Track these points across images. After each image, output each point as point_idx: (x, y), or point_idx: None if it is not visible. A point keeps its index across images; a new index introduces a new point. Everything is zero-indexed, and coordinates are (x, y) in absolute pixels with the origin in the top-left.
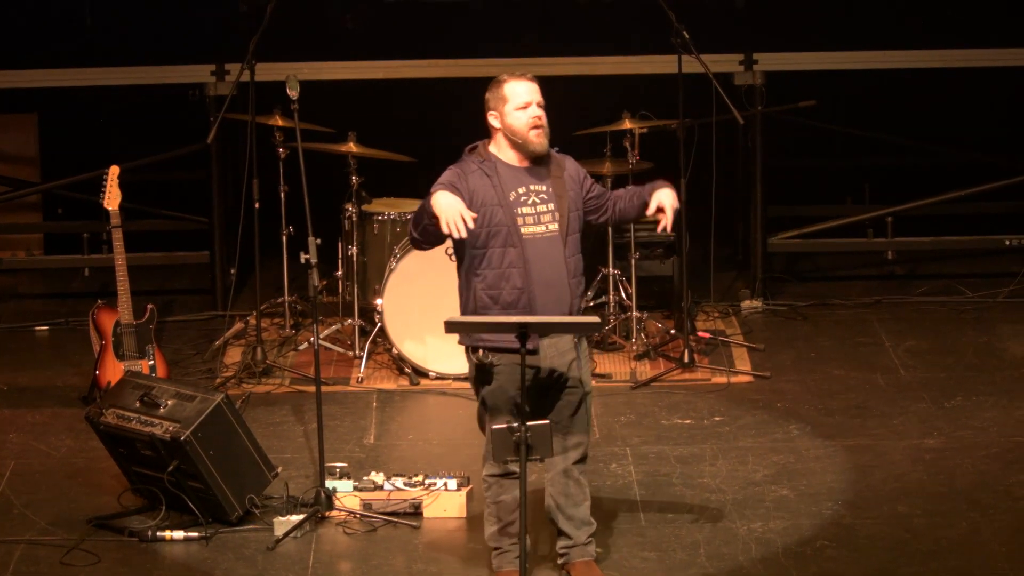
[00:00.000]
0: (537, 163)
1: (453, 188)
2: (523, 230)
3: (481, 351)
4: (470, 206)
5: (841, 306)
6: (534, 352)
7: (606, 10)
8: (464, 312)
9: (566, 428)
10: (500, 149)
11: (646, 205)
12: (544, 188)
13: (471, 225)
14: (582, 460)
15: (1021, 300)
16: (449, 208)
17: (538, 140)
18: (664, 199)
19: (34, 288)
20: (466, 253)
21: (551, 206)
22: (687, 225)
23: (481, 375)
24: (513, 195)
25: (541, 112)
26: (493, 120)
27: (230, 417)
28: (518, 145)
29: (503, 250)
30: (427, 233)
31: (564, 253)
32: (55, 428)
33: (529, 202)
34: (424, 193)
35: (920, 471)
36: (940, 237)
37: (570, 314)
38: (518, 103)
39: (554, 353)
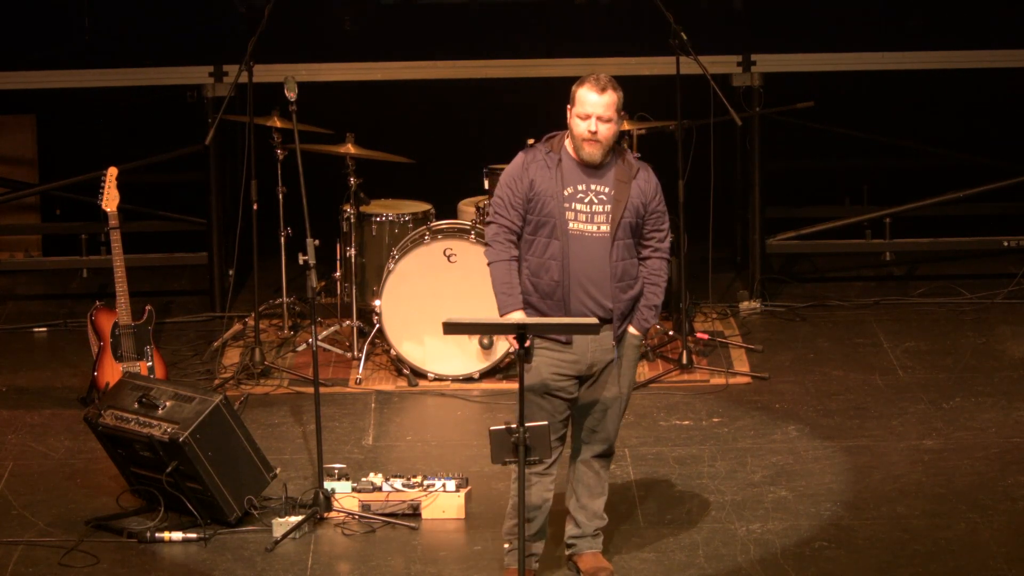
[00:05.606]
0: (603, 163)
1: (515, 182)
2: (571, 226)
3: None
4: (528, 193)
5: (839, 307)
6: (528, 354)
7: (604, 11)
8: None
9: (596, 423)
10: (570, 142)
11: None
12: (606, 189)
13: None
14: (606, 455)
15: (1019, 301)
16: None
17: (588, 151)
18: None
19: (32, 289)
20: (523, 235)
21: (607, 207)
22: (685, 226)
23: (522, 353)
24: (570, 190)
25: (598, 127)
26: (568, 114)
27: (228, 418)
28: (574, 146)
29: (548, 241)
30: None
31: (611, 256)
32: (54, 429)
33: (586, 200)
34: (421, 195)
35: (919, 472)
36: (938, 238)
37: (613, 317)
38: (580, 112)
39: (596, 348)
